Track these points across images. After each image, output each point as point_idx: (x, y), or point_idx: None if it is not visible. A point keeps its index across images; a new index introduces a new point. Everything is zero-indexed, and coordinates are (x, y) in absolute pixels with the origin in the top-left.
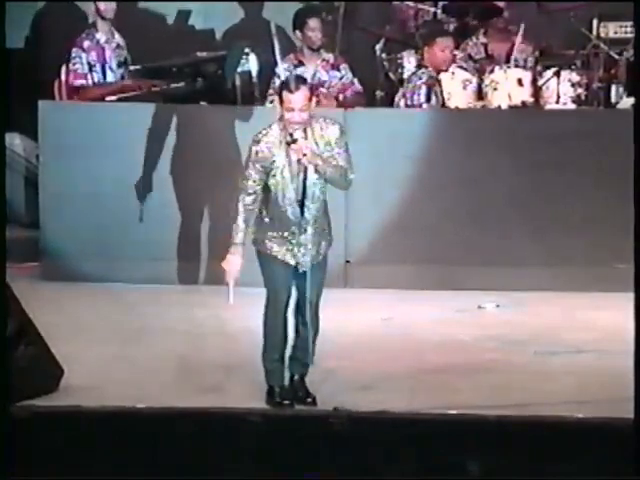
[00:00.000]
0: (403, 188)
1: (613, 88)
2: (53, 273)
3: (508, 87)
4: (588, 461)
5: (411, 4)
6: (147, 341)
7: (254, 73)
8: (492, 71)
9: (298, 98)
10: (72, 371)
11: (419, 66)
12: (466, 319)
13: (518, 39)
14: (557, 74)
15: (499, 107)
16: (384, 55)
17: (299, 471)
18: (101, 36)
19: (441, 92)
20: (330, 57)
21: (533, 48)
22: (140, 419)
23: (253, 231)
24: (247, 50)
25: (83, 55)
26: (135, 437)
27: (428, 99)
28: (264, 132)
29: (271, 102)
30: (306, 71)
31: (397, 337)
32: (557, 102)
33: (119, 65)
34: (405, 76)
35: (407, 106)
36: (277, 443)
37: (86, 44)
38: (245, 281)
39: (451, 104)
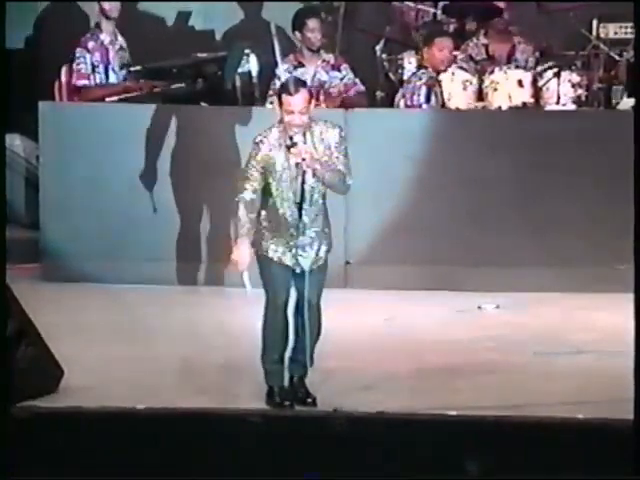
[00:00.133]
0: (403, 189)
1: (613, 89)
2: (53, 274)
3: (508, 88)
4: (588, 462)
5: (411, 5)
6: (147, 342)
7: (254, 74)
8: (492, 72)
9: (298, 101)
10: (72, 372)
11: (419, 67)
12: (466, 320)
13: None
14: (557, 75)
15: (499, 108)
16: (384, 56)
17: (299, 472)
18: (105, 37)
19: (441, 93)
20: (330, 58)
21: (533, 49)
22: (140, 420)
23: (252, 233)
24: (247, 51)
25: (87, 56)
26: (135, 438)
27: (428, 100)
28: (264, 134)
29: (271, 103)
30: (306, 72)
31: (397, 338)
32: (557, 103)
33: (121, 67)
34: (405, 77)
35: (407, 107)
36: (277, 444)
37: (90, 45)
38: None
39: (451, 105)
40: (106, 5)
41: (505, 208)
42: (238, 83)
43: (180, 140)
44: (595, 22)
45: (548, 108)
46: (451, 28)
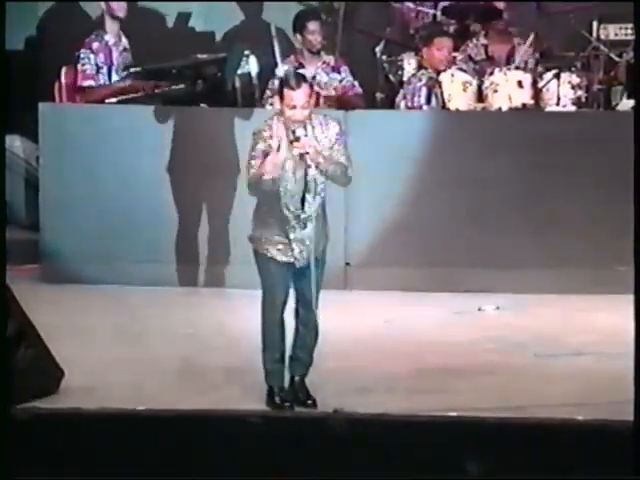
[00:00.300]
0: (403, 190)
1: (613, 90)
2: (53, 275)
3: (508, 89)
4: (588, 463)
5: (411, 6)
6: (147, 343)
7: (254, 75)
8: (492, 73)
9: (300, 95)
10: (72, 373)
11: (419, 68)
12: (466, 321)
13: (524, 46)
14: (557, 76)
15: (499, 109)
16: (384, 57)
17: (299, 473)
18: (109, 38)
19: (441, 94)
20: (331, 59)
21: (533, 50)
22: (140, 421)
23: (253, 227)
24: (247, 52)
25: (92, 56)
26: (135, 439)
27: (428, 101)
28: (264, 127)
29: (271, 104)
30: (306, 73)
31: (397, 339)
32: (557, 104)
33: (125, 68)
34: (405, 78)
35: (408, 108)
36: (277, 445)
37: (95, 45)
38: (245, 282)
39: (451, 106)
40: (114, 5)
41: (505, 209)
42: (238, 84)
43: (180, 141)
44: (595, 23)
45: (548, 109)
46: (451, 29)
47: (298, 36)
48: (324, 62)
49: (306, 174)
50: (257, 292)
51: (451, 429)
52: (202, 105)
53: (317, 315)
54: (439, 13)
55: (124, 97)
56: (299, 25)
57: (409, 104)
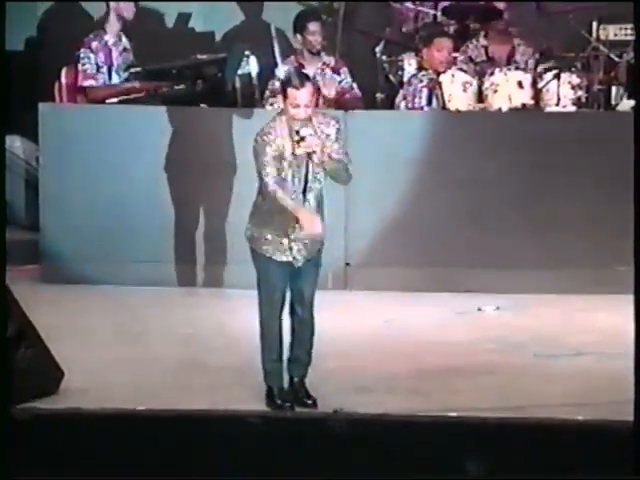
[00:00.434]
0: (403, 190)
1: (613, 90)
2: (53, 275)
3: (508, 89)
4: (588, 463)
5: (411, 6)
6: (147, 343)
7: (254, 75)
8: (492, 73)
9: (304, 94)
10: (72, 373)
11: (419, 68)
12: (466, 321)
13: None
14: (557, 76)
15: (499, 109)
16: (384, 57)
17: (299, 473)
18: (109, 38)
19: (442, 95)
20: (331, 60)
21: (533, 50)
22: (140, 421)
23: (249, 226)
24: (247, 52)
25: (92, 56)
26: (135, 439)
27: (429, 102)
28: (269, 128)
29: (271, 105)
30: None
31: (397, 339)
32: (557, 104)
33: (125, 68)
34: (405, 78)
35: (408, 109)
36: (277, 445)
37: (94, 45)
38: (244, 282)
39: (451, 106)
40: (124, 5)
41: (505, 209)
42: (238, 85)
43: (180, 142)
44: (595, 23)
45: (548, 109)
46: (451, 30)
47: (298, 37)
48: (324, 63)
49: (307, 174)
50: (256, 292)
51: (451, 429)
52: (202, 105)
53: (313, 317)
54: (439, 13)
55: (125, 97)
56: (299, 26)
57: (409, 105)
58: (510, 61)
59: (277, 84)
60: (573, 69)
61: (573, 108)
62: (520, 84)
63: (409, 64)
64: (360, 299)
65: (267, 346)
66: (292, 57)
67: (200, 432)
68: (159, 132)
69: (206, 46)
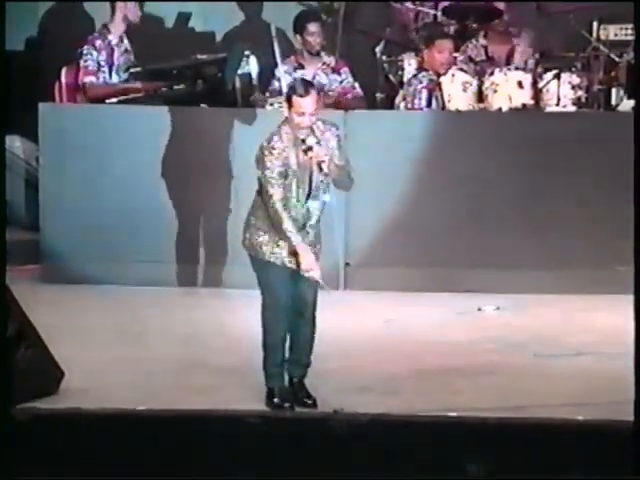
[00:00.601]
0: (403, 190)
1: (613, 90)
2: (53, 275)
3: (508, 89)
4: (588, 463)
5: (411, 6)
6: (147, 343)
7: (254, 75)
8: (492, 73)
9: (309, 102)
10: (72, 373)
11: (419, 69)
12: (466, 321)
13: (521, 46)
14: (557, 76)
15: (499, 109)
16: (384, 57)
17: (299, 473)
18: (112, 38)
19: (442, 96)
20: (331, 60)
21: (533, 50)
22: (140, 421)
23: (247, 236)
24: (247, 52)
25: (94, 53)
26: (135, 439)
27: (429, 104)
28: (275, 138)
29: (271, 105)
30: (306, 74)
31: (397, 339)
32: (557, 104)
33: (126, 69)
34: (405, 79)
35: (408, 109)
36: (277, 445)
37: (98, 43)
38: (244, 282)
39: (451, 106)
40: (131, 8)
41: (505, 209)
42: (238, 85)
43: (180, 142)
44: (595, 23)
45: (548, 109)
46: (451, 30)
47: (298, 37)
48: (324, 63)
49: (310, 181)
50: (256, 292)
51: (451, 429)
52: (202, 105)
53: (315, 318)
54: (439, 13)
55: (124, 97)
56: (299, 26)
57: (409, 106)
58: (510, 61)
59: (277, 84)
60: (573, 69)
61: (573, 108)
62: (520, 84)
63: (409, 64)
64: (360, 299)
65: (271, 351)
66: (292, 57)
67: (200, 432)
68: (159, 132)
69: (206, 46)
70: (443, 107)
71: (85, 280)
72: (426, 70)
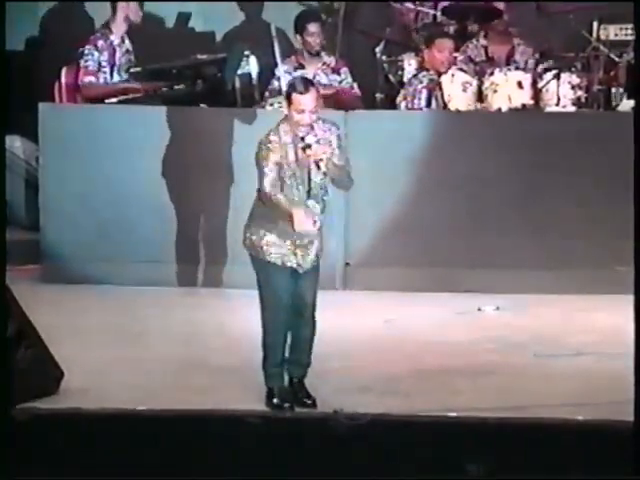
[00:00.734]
0: (403, 190)
1: (613, 90)
2: (53, 275)
3: (508, 89)
4: (588, 463)
5: (411, 6)
6: (147, 343)
7: (254, 75)
8: (492, 73)
9: (309, 100)
10: (72, 373)
11: (420, 69)
12: (466, 321)
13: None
14: (557, 76)
15: (499, 109)
16: (384, 57)
17: (299, 473)
18: (114, 38)
19: (442, 96)
20: (332, 60)
21: (533, 50)
22: (140, 421)
23: (248, 235)
24: (247, 52)
25: (95, 53)
26: (135, 439)
27: (429, 104)
28: (272, 134)
29: (271, 105)
30: (306, 74)
31: (397, 339)
32: (557, 104)
33: (127, 69)
34: (405, 79)
35: (408, 109)
36: (277, 445)
37: (100, 43)
38: (244, 282)
39: (451, 106)
40: (133, 9)
41: (505, 209)
42: (238, 85)
43: (180, 142)
44: (595, 24)
45: (548, 109)
46: (451, 30)
47: (298, 37)
48: (324, 63)
49: (309, 180)
50: (256, 292)
51: (451, 429)
52: (202, 105)
53: (315, 318)
54: (439, 13)
55: (124, 97)
56: (300, 26)
57: (409, 106)
58: (510, 61)
59: (277, 84)
60: (573, 69)
61: (573, 108)
62: (520, 84)
63: (409, 64)
64: (360, 299)
65: (271, 351)
66: (292, 57)
67: (200, 432)
68: (159, 132)
69: (206, 46)
70: (444, 107)
71: (85, 280)
72: (426, 70)
